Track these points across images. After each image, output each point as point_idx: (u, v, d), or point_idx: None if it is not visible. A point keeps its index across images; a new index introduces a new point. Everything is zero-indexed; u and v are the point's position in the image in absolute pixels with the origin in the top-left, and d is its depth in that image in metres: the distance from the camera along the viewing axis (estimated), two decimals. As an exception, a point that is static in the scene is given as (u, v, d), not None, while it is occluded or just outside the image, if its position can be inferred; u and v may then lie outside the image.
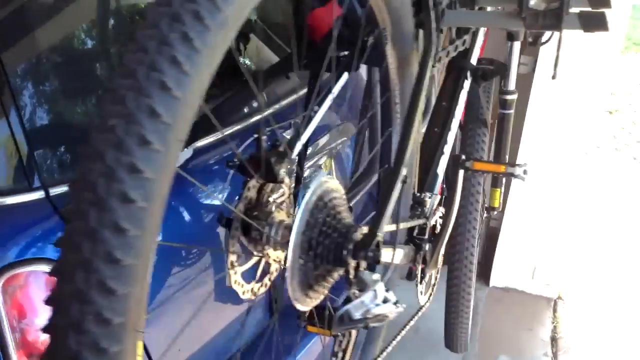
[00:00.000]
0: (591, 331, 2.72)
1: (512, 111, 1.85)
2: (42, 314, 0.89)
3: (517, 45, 1.79)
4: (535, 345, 2.61)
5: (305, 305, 0.87)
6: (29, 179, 0.93)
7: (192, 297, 1.05)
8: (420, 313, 1.33)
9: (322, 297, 0.88)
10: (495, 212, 2.01)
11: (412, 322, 1.27)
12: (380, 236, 0.89)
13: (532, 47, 2.62)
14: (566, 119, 2.57)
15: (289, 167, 0.89)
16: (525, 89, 2.61)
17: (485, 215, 2.03)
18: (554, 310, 2.84)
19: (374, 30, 1.05)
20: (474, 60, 1.61)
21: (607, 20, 1.11)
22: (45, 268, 0.90)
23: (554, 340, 2.65)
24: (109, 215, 0.48)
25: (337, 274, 0.88)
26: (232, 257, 0.86)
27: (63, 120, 1.09)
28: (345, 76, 1.09)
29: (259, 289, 0.93)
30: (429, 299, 1.35)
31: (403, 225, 1.15)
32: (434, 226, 1.34)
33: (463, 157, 1.36)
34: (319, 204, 0.85)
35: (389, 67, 1.11)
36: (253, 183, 0.86)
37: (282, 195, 0.90)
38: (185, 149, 1.06)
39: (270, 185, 0.89)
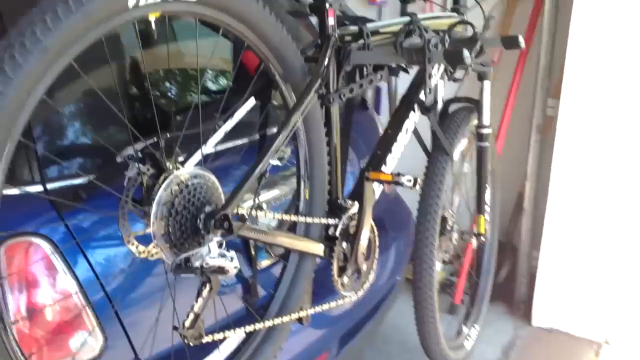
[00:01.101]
0: (630, 376, 2.64)
1: (487, 144, 2.04)
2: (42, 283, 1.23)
3: (487, 84, 2.00)
4: (565, 383, 2.60)
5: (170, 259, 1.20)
6: (32, 174, 1.34)
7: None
8: (341, 302, 1.58)
9: (188, 254, 1.20)
10: (482, 238, 2.16)
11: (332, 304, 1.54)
12: (229, 211, 1.21)
13: (555, 91, 2.75)
14: (598, 154, 2.61)
15: (176, 162, 1.24)
16: (552, 128, 2.72)
17: (475, 241, 2.19)
18: (597, 354, 2.79)
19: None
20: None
21: (464, 56, 1.34)
22: (42, 242, 1.29)
23: (585, 380, 2.62)
24: None
25: (197, 237, 1.21)
26: (124, 222, 1.22)
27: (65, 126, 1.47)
28: (251, 101, 1.44)
29: (156, 252, 1.27)
30: (355, 293, 1.59)
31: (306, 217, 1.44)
32: (356, 231, 1.59)
33: (366, 169, 1.62)
34: (182, 186, 1.19)
35: (284, 95, 1.43)
36: (144, 170, 1.22)
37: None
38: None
39: (164, 174, 1.24)
